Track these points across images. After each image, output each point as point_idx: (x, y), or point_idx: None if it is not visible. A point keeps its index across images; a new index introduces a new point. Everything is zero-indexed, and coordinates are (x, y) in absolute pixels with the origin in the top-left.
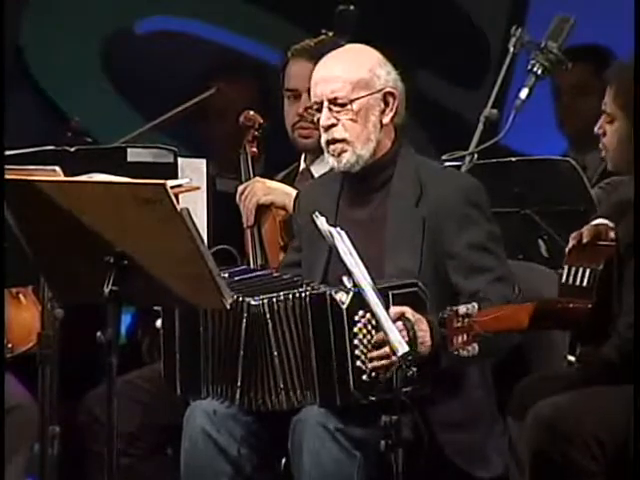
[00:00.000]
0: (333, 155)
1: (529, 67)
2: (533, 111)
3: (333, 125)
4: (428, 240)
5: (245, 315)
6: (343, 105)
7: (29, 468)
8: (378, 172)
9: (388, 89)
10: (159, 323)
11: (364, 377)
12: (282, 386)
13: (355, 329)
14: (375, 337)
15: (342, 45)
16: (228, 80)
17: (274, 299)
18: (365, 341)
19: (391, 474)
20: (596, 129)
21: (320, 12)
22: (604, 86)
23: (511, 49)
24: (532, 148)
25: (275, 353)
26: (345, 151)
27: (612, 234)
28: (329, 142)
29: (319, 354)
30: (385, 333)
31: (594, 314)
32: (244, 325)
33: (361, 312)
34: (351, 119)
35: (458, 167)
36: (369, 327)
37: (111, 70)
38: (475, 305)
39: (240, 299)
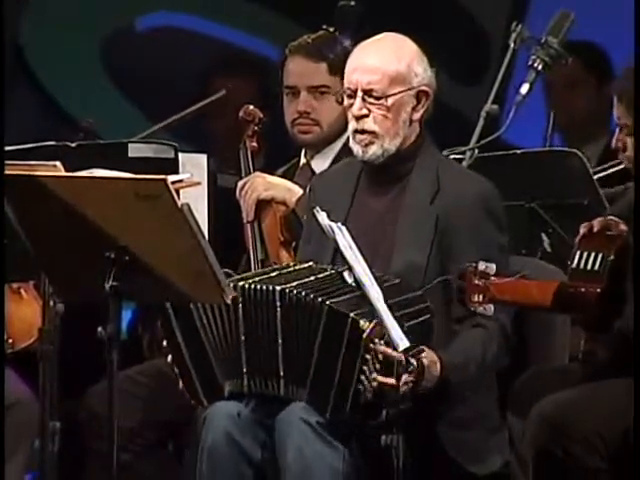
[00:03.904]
0: (359, 144)
1: (529, 63)
2: (533, 106)
3: (365, 116)
4: (438, 238)
5: (240, 299)
6: (378, 98)
7: (30, 464)
8: (398, 164)
9: (423, 87)
10: (165, 343)
11: (361, 400)
12: (282, 374)
13: (367, 356)
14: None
15: (341, 42)
16: (229, 76)
17: (287, 290)
18: (371, 367)
19: (391, 470)
20: (614, 143)
21: (321, 8)
22: (594, 81)
23: (511, 45)
24: (532, 143)
25: (280, 341)
26: (372, 143)
27: (622, 226)
28: (357, 131)
29: (322, 364)
30: (386, 329)
31: (603, 300)
32: (241, 310)
33: (377, 339)
34: (383, 114)
35: (459, 162)
36: (379, 355)
37: (112, 67)
38: (493, 266)
39: (232, 284)
